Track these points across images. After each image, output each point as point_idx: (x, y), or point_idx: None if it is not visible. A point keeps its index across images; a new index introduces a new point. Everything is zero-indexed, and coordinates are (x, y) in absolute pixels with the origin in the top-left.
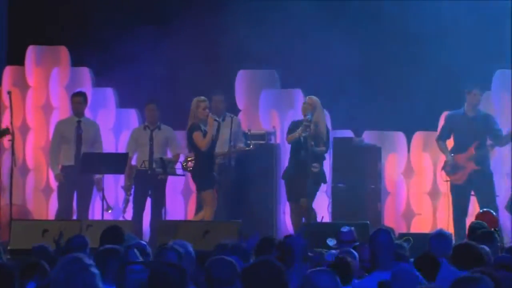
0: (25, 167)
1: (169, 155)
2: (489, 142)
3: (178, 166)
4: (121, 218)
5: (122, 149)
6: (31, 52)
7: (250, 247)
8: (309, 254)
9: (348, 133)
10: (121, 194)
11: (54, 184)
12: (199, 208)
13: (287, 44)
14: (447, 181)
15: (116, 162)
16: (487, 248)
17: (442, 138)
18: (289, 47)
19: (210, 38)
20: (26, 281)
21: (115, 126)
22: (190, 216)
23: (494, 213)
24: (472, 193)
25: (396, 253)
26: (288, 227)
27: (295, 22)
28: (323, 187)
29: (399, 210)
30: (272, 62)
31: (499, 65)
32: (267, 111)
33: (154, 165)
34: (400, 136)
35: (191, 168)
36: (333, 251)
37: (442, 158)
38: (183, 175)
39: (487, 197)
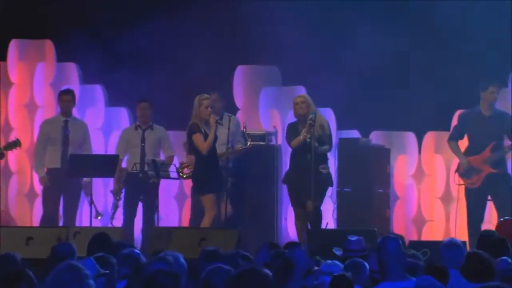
0: (7, 171)
1: (162, 157)
2: (507, 143)
3: (171, 168)
4: (110, 225)
5: (111, 151)
6: (13, 46)
7: (260, 261)
8: (315, 268)
9: (355, 134)
10: (111, 199)
11: (38, 188)
12: (195, 214)
13: (290, 38)
14: (461, 185)
15: (105, 165)
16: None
17: (454, 138)
18: (291, 41)
19: (206, 32)
20: None
21: (104, 126)
22: (185, 222)
23: None
24: (489, 198)
25: (409, 263)
26: (290, 233)
27: (298, 14)
28: (328, 190)
29: (409, 216)
30: (273, 57)
31: None
32: (267, 110)
33: (146, 168)
34: (410, 137)
35: (187, 175)
36: (338, 262)
37: (455, 160)
38: (177, 178)
39: (506, 202)
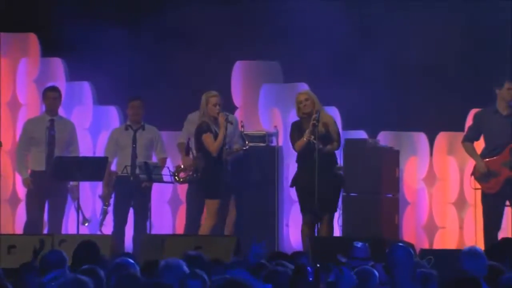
0: None
1: (154, 159)
2: None
3: (164, 171)
4: (99, 233)
5: (100, 153)
6: None
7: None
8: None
9: (361, 134)
10: (99, 204)
11: (22, 193)
12: (191, 220)
13: (292, 32)
14: (477, 189)
15: (93, 168)
16: None
17: (469, 139)
18: (293, 35)
19: (201, 25)
20: None
21: (92, 126)
22: (179, 229)
23: None
24: (507, 203)
25: (421, 273)
26: (292, 241)
27: (301, 6)
28: None
29: (420, 223)
30: (274, 52)
31: None
32: (268, 109)
33: (137, 171)
34: (421, 137)
35: (183, 179)
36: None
37: (470, 163)
38: (171, 182)
39: None
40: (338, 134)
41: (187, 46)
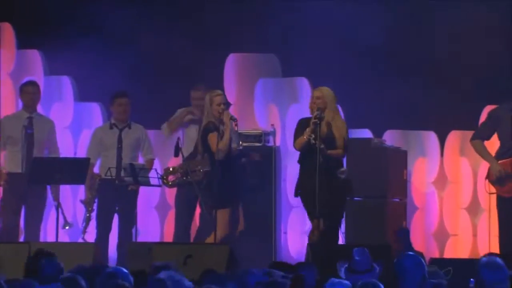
0: None
1: (141, 160)
2: None
3: (152, 174)
4: (81, 240)
5: (82, 153)
6: None
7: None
8: None
9: (366, 133)
10: (81, 209)
11: None
12: (180, 227)
13: (291, 22)
14: (492, 193)
15: (74, 170)
16: None
17: (479, 137)
18: (292, 25)
19: (192, 14)
20: None
21: (73, 124)
22: (168, 237)
23: None
24: None
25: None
26: (291, 250)
27: None
28: None
29: (429, 230)
30: (271, 44)
31: None
32: (264, 106)
33: (122, 173)
34: (431, 137)
35: (172, 183)
36: (347, 282)
37: (484, 164)
38: (159, 185)
39: None
40: (345, 140)
41: (177, 37)
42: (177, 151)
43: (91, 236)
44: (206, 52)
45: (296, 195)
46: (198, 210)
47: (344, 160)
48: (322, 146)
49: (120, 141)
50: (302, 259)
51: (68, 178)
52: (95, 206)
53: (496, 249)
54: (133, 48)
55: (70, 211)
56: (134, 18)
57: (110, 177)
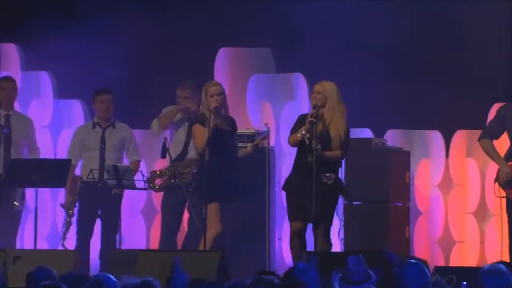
0: None
1: (126, 161)
2: None
3: (137, 176)
4: (61, 247)
5: (62, 154)
6: None
7: None
8: None
9: (366, 133)
10: (61, 214)
11: None
12: (167, 233)
13: (286, 14)
14: (502, 197)
15: (54, 172)
16: None
17: (488, 136)
18: (288, 17)
19: (180, 6)
20: None
21: (52, 123)
22: (154, 243)
23: None
24: None
25: None
26: (285, 257)
27: None
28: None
29: (434, 236)
30: (265, 38)
31: None
32: (257, 103)
33: (105, 176)
34: (436, 136)
35: (159, 187)
36: None
37: (493, 166)
38: (145, 188)
39: None
40: (341, 140)
41: (164, 30)
42: (164, 152)
43: (71, 243)
44: (196, 46)
45: (283, 189)
46: (186, 215)
47: (343, 162)
48: (319, 146)
49: (103, 141)
50: None
51: (47, 180)
52: (75, 211)
53: (505, 256)
54: (117, 42)
55: (49, 216)
56: (119, 9)
57: (92, 180)
